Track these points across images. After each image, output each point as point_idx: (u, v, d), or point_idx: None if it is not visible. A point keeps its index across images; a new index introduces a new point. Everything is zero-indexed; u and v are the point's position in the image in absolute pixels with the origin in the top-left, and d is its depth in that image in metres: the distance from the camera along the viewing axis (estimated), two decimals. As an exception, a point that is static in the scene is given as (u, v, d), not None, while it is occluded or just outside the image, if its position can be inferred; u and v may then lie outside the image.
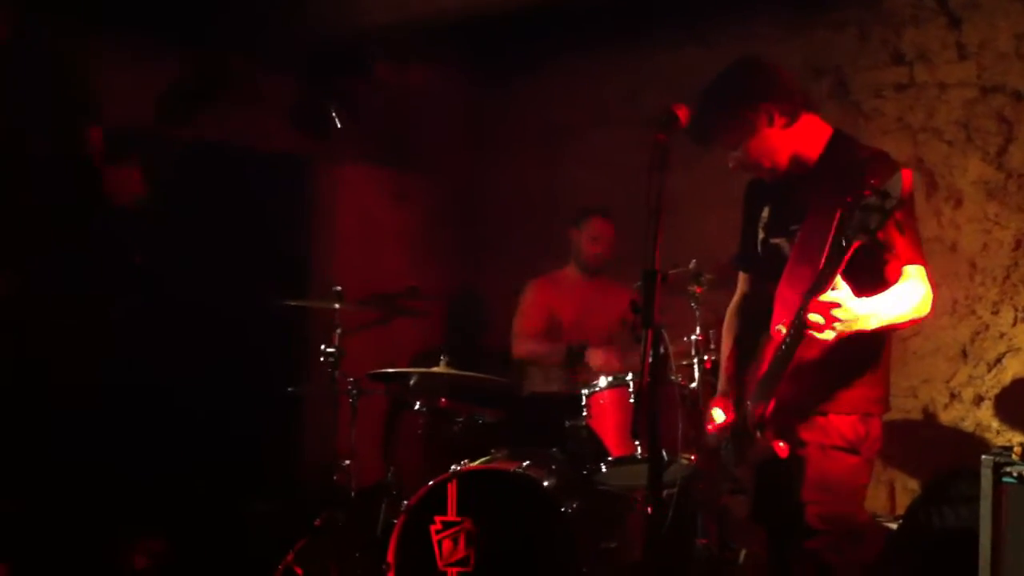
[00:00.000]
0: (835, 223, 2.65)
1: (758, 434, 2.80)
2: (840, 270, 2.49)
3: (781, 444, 2.75)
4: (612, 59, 5.74)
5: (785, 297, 2.79)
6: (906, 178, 2.34)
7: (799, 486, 2.80)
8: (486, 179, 6.33)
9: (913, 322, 2.74)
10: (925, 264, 2.73)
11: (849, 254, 2.46)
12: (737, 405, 3.00)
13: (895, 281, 2.69)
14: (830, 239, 2.65)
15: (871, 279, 2.65)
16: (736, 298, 3.26)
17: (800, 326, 2.58)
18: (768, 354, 2.79)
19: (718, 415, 3.02)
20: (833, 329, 2.54)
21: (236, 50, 5.17)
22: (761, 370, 2.82)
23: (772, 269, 2.95)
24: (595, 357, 4.82)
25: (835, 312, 2.52)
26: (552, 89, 6.07)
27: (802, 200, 2.86)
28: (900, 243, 2.64)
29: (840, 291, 2.52)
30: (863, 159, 2.81)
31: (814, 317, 2.52)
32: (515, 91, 6.21)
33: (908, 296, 2.68)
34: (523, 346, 5.12)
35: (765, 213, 3.01)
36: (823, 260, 2.52)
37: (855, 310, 2.55)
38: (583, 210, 5.11)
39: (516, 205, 6.17)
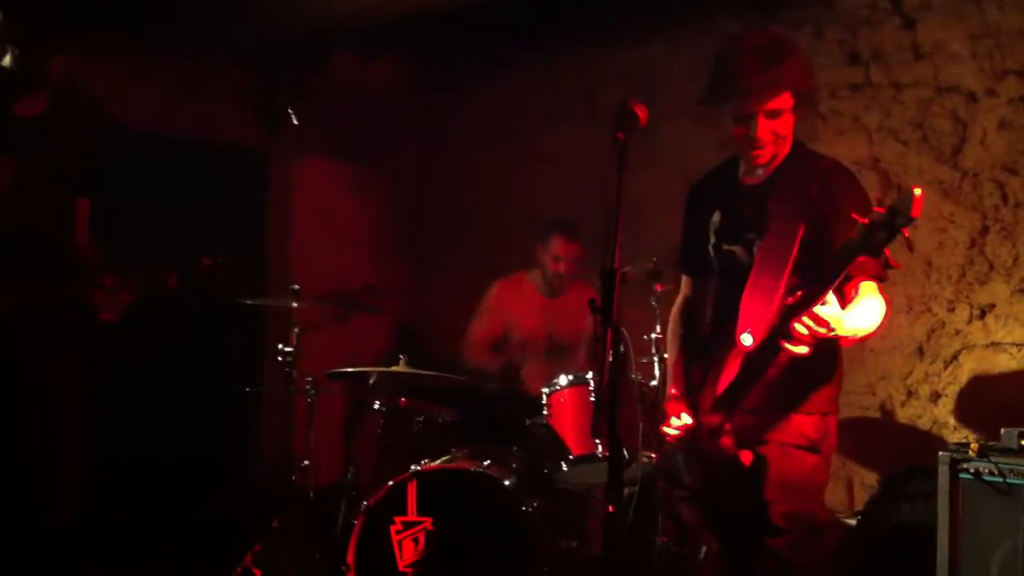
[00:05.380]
0: (799, 236, 2.67)
1: (718, 442, 2.78)
2: (836, 284, 2.45)
3: (746, 452, 2.74)
4: (570, 56, 5.70)
5: (751, 307, 2.76)
6: (917, 199, 2.25)
7: (761, 485, 2.79)
8: (442, 176, 6.29)
9: (871, 335, 2.77)
10: (885, 276, 2.75)
11: (848, 269, 2.41)
12: (693, 410, 2.96)
13: (850, 293, 2.70)
14: (795, 251, 2.67)
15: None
16: (680, 300, 3.26)
17: (778, 338, 2.55)
18: (731, 363, 2.76)
19: (682, 418, 2.96)
20: (813, 342, 2.53)
21: (191, 39, 5.08)
22: (722, 379, 2.79)
23: (724, 274, 2.95)
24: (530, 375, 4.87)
25: (823, 329, 2.50)
26: (510, 86, 6.03)
27: (756, 208, 2.85)
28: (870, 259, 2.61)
29: (833, 306, 2.50)
30: (823, 169, 2.81)
31: (801, 329, 2.50)
32: (473, 88, 6.16)
33: (875, 311, 2.71)
34: (474, 355, 5.07)
35: (716, 218, 2.99)
36: (825, 272, 2.45)
37: (845, 326, 2.56)
38: (548, 225, 4.98)
39: (471, 203, 6.12)
